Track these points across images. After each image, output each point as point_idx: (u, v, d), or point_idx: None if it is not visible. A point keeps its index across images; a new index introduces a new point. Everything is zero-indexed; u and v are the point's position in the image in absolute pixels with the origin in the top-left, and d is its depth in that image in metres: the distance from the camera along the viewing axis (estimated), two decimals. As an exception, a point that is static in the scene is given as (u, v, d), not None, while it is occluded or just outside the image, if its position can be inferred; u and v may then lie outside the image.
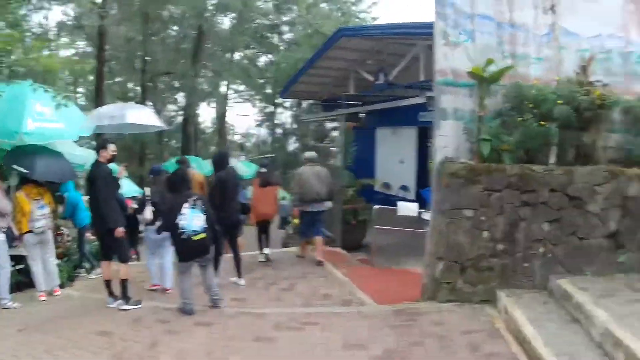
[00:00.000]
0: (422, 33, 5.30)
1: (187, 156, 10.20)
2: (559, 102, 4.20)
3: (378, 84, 8.65)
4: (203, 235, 4.21)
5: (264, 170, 6.94)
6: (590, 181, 4.27)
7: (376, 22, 18.79)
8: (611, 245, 4.34)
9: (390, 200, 7.85)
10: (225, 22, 18.31)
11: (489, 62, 4.28)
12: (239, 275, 5.41)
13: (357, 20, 18.51)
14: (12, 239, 5.03)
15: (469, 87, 4.54)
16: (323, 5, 18.25)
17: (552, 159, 4.42)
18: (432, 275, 4.39)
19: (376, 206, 7.13)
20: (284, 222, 9.27)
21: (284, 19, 18.50)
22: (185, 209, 4.21)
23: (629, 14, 5.40)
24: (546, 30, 4.94)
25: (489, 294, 4.20)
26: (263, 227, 6.80)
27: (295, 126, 17.92)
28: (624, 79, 5.18)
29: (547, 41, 4.94)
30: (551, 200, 4.18)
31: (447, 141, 4.56)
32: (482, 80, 4.25)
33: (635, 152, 4.70)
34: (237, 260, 5.42)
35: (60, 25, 16.91)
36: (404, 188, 9.34)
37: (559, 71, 4.83)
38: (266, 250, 6.66)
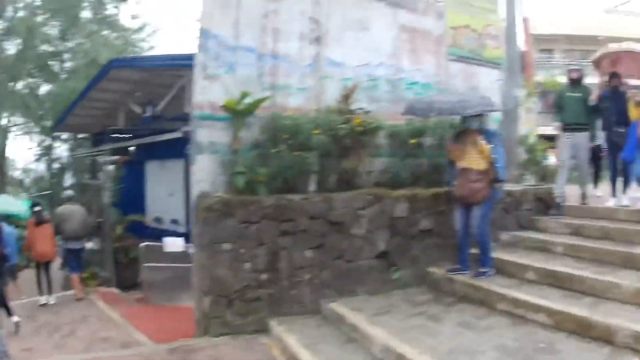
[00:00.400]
0: (188, 65, 6.21)
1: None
2: (314, 131, 5.50)
3: (146, 117, 10.00)
4: None
5: (37, 208, 8.50)
6: (352, 206, 5.66)
7: (151, 52, 21.82)
8: (383, 264, 5.85)
9: (163, 235, 8.98)
10: (11, 48, 19.26)
11: (244, 94, 5.39)
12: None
13: (135, 49, 20.92)
14: None
15: (226, 120, 5.61)
16: (106, 32, 20.07)
17: (313, 187, 5.73)
18: (202, 310, 5.17)
19: (143, 243, 8.40)
20: (64, 263, 9.79)
21: (69, 45, 19.84)
22: None
23: (401, 42, 7.33)
24: (310, 61, 6.38)
25: (261, 323, 5.11)
26: (44, 268, 8.10)
27: (71, 161, 19.46)
28: (392, 105, 6.95)
29: (310, 71, 6.36)
30: (312, 228, 5.39)
31: (204, 175, 5.57)
32: (237, 113, 5.34)
33: (400, 174, 6.41)
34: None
35: None
36: (174, 222, 10.89)
37: (320, 100, 6.26)
38: (47, 298, 7.96)
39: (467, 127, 5.59)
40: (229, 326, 5.08)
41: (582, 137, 6.84)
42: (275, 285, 5.28)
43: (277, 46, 6.23)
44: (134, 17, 22.56)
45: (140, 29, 22.41)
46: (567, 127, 6.95)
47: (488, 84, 8.28)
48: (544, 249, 6.07)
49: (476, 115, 5.53)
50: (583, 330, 4.07)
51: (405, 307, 5.14)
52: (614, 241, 5.72)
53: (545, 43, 31.28)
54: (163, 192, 11.54)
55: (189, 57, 6.18)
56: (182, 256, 6.53)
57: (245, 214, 5.14)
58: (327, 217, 5.53)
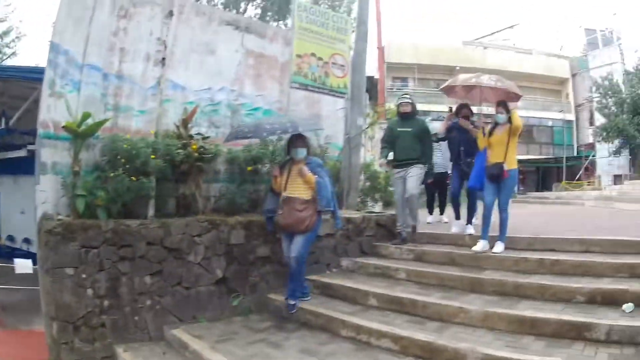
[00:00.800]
0: (42, 79, 7.05)
1: None
2: (152, 156, 6.77)
3: None
4: None
5: None
6: (188, 232, 6.93)
7: (14, 59, 23.58)
8: (223, 291, 7.14)
9: (16, 255, 9.79)
10: None
11: (86, 115, 6.53)
12: None
13: None
14: None
15: (69, 140, 6.65)
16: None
17: (151, 212, 7.02)
18: (51, 336, 5.90)
19: None
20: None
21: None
22: None
23: (246, 67, 8.97)
24: (153, 83, 7.74)
25: (108, 350, 6.04)
26: None
27: None
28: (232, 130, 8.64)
29: (152, 94, 7.70)
30: (150, 254, 6.57)
31: (47, 196, 6.61)
32: (77, 135, 6.44)
33: (237, 200, 7.84)
34: None
35: None
36: (27, 241, 11.94)
37: (160, 124, 7.60)
38: None
39: (293, 156, 6.71)
40: (77, 353, 5.92)
41: (413, 171, 8.04)
42: (118, 311, 6.24)
43: (122, 66, 7.50)
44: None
45: (5, 33, 23.50)
46: (398, 163, 8.20)
47: (331, 112, 10.28)
48: (386, 275, 7.39)
49: (302, 146, 6.66)
50: (431, 354, 4.94)
51: (247, 334, 6.19)
52: (460, 266, 7.10)
53: (400, 71, 36.71)
54: (16, 210, 12.52)
55: (42, 71, 7.20)
56: (35, 278, 7.34)
57: (86, 239, 6.13)
58: (164, 244, 6.67)
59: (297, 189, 6.59)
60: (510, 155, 7.09)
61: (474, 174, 7.80)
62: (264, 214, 7.25)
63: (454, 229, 8.66)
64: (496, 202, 7.24)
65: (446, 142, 9.22)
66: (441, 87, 8.95)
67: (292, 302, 6.61)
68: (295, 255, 6.46)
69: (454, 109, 8.63)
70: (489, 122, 7.60)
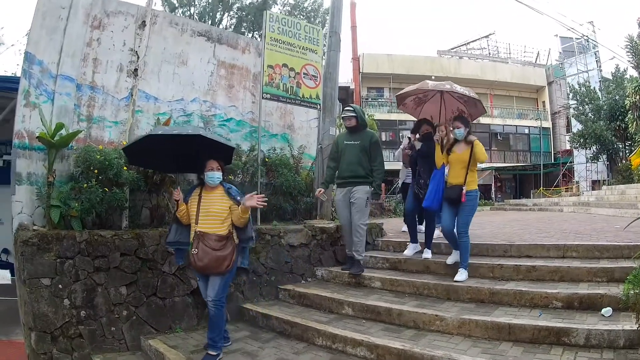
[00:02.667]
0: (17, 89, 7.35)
1: None
2: (125, 167, 7.04)
3: None
4: None
5: None
6: (162, 243, 7.06)
7: None
8: (198, 301, 7.25)
9: None
10: None
11: (59, 126, 6.79)
12: None
13: None
14: None
15: (44, 151, 6.92)
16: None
17: (125, 223, 7.29)
18: (30, 346, 6.10)
19: None
20: None
21: None
22: None
23: (218, 78, 9.28)
24: (126, 94, 8.01)
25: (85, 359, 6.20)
26: None
27: None
28: None
29: (125, 104, 7.97)
30: (124, 264, 6.80)
31: (23, 207, 6.85)
32: (51, 145, 6.68)
33: None
34: None
35: None
36: (5, 252, 12.26)
37: (133, 135, 7.73)
38: None
39: (206, 181, 5.76)
40: None
41: (357, 194, 7.53)
42: (94, 322, 6.45)
43: (95, 77, 7.81)
44: None
45: None
46: (342, 181, 7.79)
47: (304, 122, 10.65)
48: (361, 284, 7.53)
49: (217, 169, 5.72)
50: None
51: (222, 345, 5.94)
52: (435, 274, 7.24)
53: (376, 82, 37.47)
54: None
55: (18, 81, 7.44)
56: (14, 288, 7.43)
57: (61, 249, 6.38)
58: (138, 254, 6.94)
59: (212, 223, 5.67)
60: (470, 177, 6.88)
61: (429, 193, 7.30)
62: (168, 246, 6.53)
63: (407, 252, 8.27)
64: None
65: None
66: (399, 93, 8.39)
67: (214, 354, 5.69)
68: (214, 299, 5.68)
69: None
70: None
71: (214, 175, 5.73)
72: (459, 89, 7.38)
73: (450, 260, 7.23)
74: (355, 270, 7.65)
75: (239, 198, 5.69)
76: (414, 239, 8.36)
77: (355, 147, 7.67)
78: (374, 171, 7.70)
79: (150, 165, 6.78)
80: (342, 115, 7.89)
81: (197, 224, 5.63)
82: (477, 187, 7.00)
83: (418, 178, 7.92)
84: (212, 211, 5.66)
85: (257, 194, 5.68)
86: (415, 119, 8.48)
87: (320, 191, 7.98)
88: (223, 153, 5.88)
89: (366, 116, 8.40)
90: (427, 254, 7.82)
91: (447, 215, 6.98)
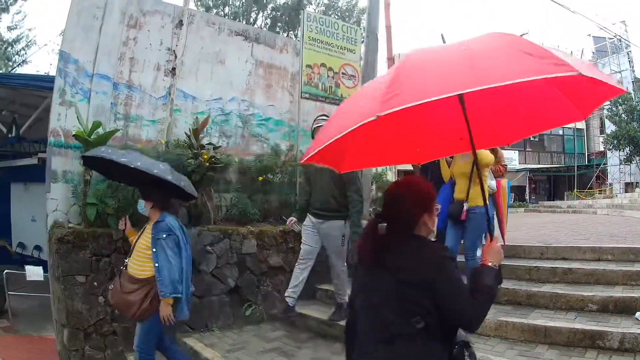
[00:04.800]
0: (51, 87, 7.18)
1: None
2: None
3: (10, 137, 11.50)
4: None
5: None
6: (200, 242, 6.89)
7: (24, 67, 24.63)
8: (235, 300, 7.08)
9: (28, 262, 10.05)
10: None
11: (96, 125, 6.51)
12: None
13: (10, 63, 23.07)
14: None
15: (80, 149, 6.65)
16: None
17: None
18: (62, 343, 5.97)
19: (7, 270, 9.28)
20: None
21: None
22: None
23: (256, 78, 8.99)
24: (164, 93, 7.74)
25: (118, 358, 6.00)
26: None
27: None
28: (242, 140, 8.58)
29: (163, 103, 7.70)
30: None
31: (58, 204, 6.62)
32: (88, 144, 6.39)
33: (248, 210, 7.75)
34: None
35: None
36: (38, 248, 12.13)
37: (171, 134, 7.57)
38: None
39: (142, 211, 4.85)
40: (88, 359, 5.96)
41: (331, 230, 6.04)
42: (129, 320, 6.03)
43: (132, 76, 7.56)
44: (10, 28, 23.62)
45: (16, 41, 24.37)
46: (314, 212, 6.24)
47: None
48: None
49: (145, 197, 4.77)
50: None
51: (259, 343, 6.08)
52: None
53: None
54: (27, 216, 12.66)
55: (52, 80, 7.27)
56: (46, 284, 7.32)
57: (97, 247, 6.19)
58: None
59: (134, 260, 4.72)
60: (474, 191, 5.81)
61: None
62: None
63: None
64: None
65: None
66: None
67: None
68: (135, 348, 4.78)
69: None
70: None
71: (140, 203, 4.79)
72: None
73: None
74: (337, 317, 6.18)
75: (163, 235, 4.56)
76: None
77: (325, 171, 5.83)
78: (350, 203, 5.89)
79: (111, 176, 5.69)
80: (314, 126, 6.23)
81: (129, 257, 4.79)
82: (485, 203, 5.61)
83: None
84: (141, 246, 4.70)
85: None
86: None
87: (291, 221, 6.48)
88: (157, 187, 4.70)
89: None
90: None
91: (450, 236, 6.05)
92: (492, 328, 5.39)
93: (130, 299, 4.52)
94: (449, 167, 6.30)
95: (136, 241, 4.77)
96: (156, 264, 4.48)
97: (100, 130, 6.70)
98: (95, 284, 6.17)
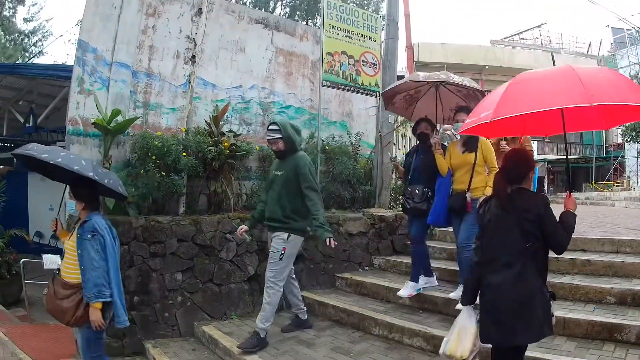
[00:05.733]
0: (69, 76, 7.08)
1: None
2: (183, 153, 6.62)
3: (28, 127, 11.53)
4: None
5: None
6: (220, 229, 6.77)
7: (41, 58, 24.85)
8: (254, 288, 6.96)
9: (45, 251, 10.00)
10: None
11: (115, 112, 6.37)
12: None
13: (26, 54, 23.50)
14: None
15: (98, 137, 6.58)
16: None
17: (182, 209, 6.85)
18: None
19: (24, 259, 9.29)
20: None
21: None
22: None
23: (276, 65, 8.77)
24: (184, 81, 7.56)
25: (137, 346, 5.94)
26: None
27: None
28: (263, 128, 8.24)
29: (183, 91, 7.52)
30: (181, 250, 6.44)
31: None
32: (107, 132, 6.29)
33: None
34: None
35: None
36: (55, 237, 11.89)
37: (191, 121, 7.40)
38: None
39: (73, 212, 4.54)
40: (106, 348, 5.61)
41: (275, 240, 5.46)
42: (148, 307, 6.19)
43: (152, 64, 7.39)
44: (26, 19, 23.77)
45: (32, 32, 24.64)
46: (267, 224, 5.79)
47: (363, 110, 10.03)
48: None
49: (76, 196, 4.37)
50: None
51: (278, 332, 5.92)
52: None
53: (430, 70, 36.15)
54: (44, 205, 12.72)
55: (69, 69, 7.18)
56: None
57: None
58: (195, 240, 6.60)
59: (67, 264, 4.34)
60: (477, 181, 5.56)
61: (435, 206, 5.87)
62: None
63: (404, 291, 6.26)
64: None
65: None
66: (383, 91, 6.82)
67: None
68: (82, 357, 4.49)
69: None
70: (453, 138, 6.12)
71: (71, 203, 4.45)
72: (456, 78, 5.95)
73: (402, 292, 6.18)
74: (246, 345, 5.31)
75: (88, 235, 4.19)
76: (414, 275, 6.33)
77: (279, 179, 5.51)
78: (310, 208, 5.39)
79: (52, 175, 4.93)
80: (267, 137, 5.60)
81: (61, 260, 4.44)
82: (485, 194, 5.16)
83: (410, 185, 6.26)
84: (66, 249, 4.37)
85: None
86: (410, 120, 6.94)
87: (242, 229, 5.85)
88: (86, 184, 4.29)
89: (301, 130, 5.96)
90: (407, 290, 6.21)
91: (457, 229, 5.72)
92: None
93: (64, 305, 4.20)
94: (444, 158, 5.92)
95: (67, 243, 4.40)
96: (81, 266, 4.15)
97: (119, 118, 6.58)
98: (113, 271, 6.05)
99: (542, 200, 3.43)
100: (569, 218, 3.45)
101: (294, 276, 6.05)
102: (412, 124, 6.25)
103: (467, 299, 3.69)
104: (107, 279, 4.19)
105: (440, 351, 3.73)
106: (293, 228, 5.42)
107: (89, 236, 4.15)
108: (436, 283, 6.45)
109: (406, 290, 6.16)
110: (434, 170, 5.94)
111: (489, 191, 4.89)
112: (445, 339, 3.72)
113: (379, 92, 9.42)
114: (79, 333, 4.39)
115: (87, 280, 4.12)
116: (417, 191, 6.06)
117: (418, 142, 6.38)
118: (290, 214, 5.42)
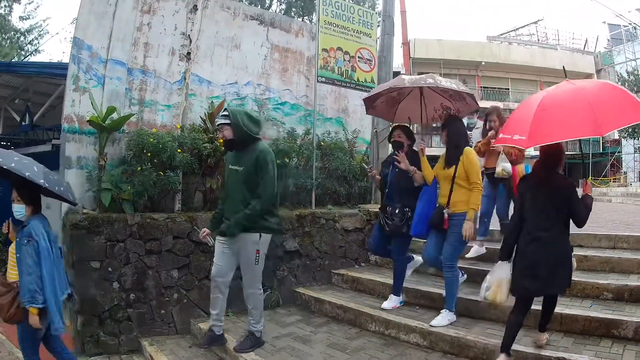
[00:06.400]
0: (64, 74, 7.11)
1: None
2: (179, 150, 6.62)
3: (23, 125, 11.54)
4: None
5: None
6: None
7: (37, 56, 25.12)
8: None
9: None
10: None
11: (111, 110, 6.37)
12: None
13: (22, 52, 23.33)
14: None
15: (94, 135, 6.56)
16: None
17: (177, 206, 6.86)
18: (76, 329, 5.87)
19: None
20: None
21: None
22: None
23: (271, 62, 8.77)
24: (179, 77, 7.56)
25: (133, 343, 5.98)
26: None
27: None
28: None
29: (178, 88, 7.52)
30: (176, 247, 6.44)
31: (72, 191, 6.66)
32: (102, 129, 6.29)
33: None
34: None
35: None
36: None
37: (186, 118, 7.41)
38: None
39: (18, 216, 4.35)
40: (103, 346, 5.87)
41: (245, 242, 5.00)
42: (144, 305, 6.21)
43: (147, 61, 7.38)
44: (22, 18, 24.02)
45: (28, 31, 24.78)
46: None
47: (358, 106, 9.89)
48: (417, 270, 6.65)
49: (17, 200, 4.33)
50: (460, 350, 4.80)
51: (274, 328, 5.99)
52: (490, 262, 6.32)
53: (426, 67, 36.17)
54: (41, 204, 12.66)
55: (65, 67, 7.15)
56: None
57: (112, 232, 6.07)
58: (191, 237, 6.58)
59: (10, 263, 4.39)
60: (457, 195, 5.28)
61: (416, 216, 5.58)
62: None
63: (388, 303, 6.10)
64: None
65: None
66: (364, 97, 6.46)
67: None
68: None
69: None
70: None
71: (15, 207, 4.37)
72: (443, 83, 5.45)
73: (386, 304, 5.97)
74: (242, 347, 5.22)
75: (24, 241, 4.16)
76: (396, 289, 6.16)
77: (240, 175, 4.98)
78: (251, 202, 4.92)
79: (8, 177, 4.68)
80: (217, 123, 5.27)
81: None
82: (473, 209, 5.18)
83: (391, 202, 5.83)
84: (10, 250, 4.37)
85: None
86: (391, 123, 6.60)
87: (204, 232, 5.37)
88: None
89: (261, 121, 5.25)
90: (390, 303, 6.07)
91: (430, 243, 5.49)
92: (508, 314, 5.10)
93: (1, 302, 4.26)
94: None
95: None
96: (19, 270, 4.19)
97: (114, 116, 6.58)
98: (109, 269, 6.10)
99: (571, 183, 4.31)
100: (587, 200, 4.23)
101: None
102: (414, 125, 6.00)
103: (505, 255, 4.41)
104: (41, 285, 4.14)
105: (480, 298, 4.56)
106: (263, 227, 5.02)
107: (25, 242, 4.14)
108: (420, 260, 6.21)
109: (390, 302, 6.04)
110: (410, 186, 5.69)
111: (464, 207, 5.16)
112: (484, 286, 4.50)
113: (374, 88, 9.36)
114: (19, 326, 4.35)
115: (22, 285, 4.13)
116: (397, 211, 5.69)
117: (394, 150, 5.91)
118: (260, 212, 4.96)
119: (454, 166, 5.28)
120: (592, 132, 3.74)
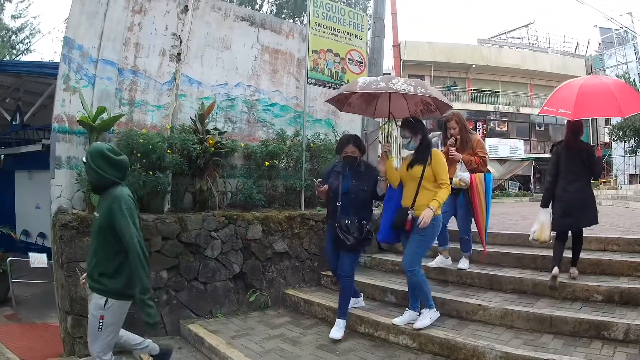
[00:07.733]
0: (55, 74, 7.08)
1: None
2: (168, 151, 6.68)
3: (14, 125, 11.64)
4: None
5: None
6: (205, 227, 6.83)
7: (29, 55, 25.11)
8: (239, 286, 7.06)
9: (32, 249, 10.10)
10: None
11: (101, 110, 6.41)
12: None
13: (14, 51, 23.59)
14: None
15: (84, 135, 6.59)
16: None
17: (167, 207, 6.90)
18: (65, 330, 5.94)
19: (11, 258, 9.42)
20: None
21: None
22: None
23: (262, 63, 8.83)
24: (169, 78, 7.61)
25: None
26: None
27: None
28: (248, 125, 8.45)
29: (168, 88, 7.57)
30: (166, 248, 6.47)
31: (62, 190, 6.51)
32: (92, 129, 6.31)
33: (254, 195, 7.67)
34: None
35: None
36: (42, 235, 12.28)
37: (176, 119, 7.46)
38: None
39: None
40: None
41: (91, 303, 4.19)
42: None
43: (137, 61, 7.42)
44: (14, 16, 24.26)
45: (20, 29, 24.86)
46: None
47: None
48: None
49: None
50: (449, 352, 4.84)
51: (263, 330, 6.11)
52: (478, 264, 6.86)
53: (416, 69, 36.47)
54: (31, 204, 12.86)
55: (56, 66, 7.17)
56: (50, 272, 7.29)
57: None
58: (180, 238, 6.65)
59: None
60: (422, 198, 5.19)
61: (383, 222, 5.57)
62: None
63: (334, 334, 5.73)
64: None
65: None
66: (330, 98, 6.14)
67: None
68: None
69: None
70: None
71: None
72: (398, 86, 5.03)
73: (399, 319, 5.60)
74: None
75: None
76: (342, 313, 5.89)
77: (95, 223, 4.21)
78: (132, 268, 4.02)
79: None
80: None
81: None
82: (437, 201, 5.12)
83: (344, 215, 5.58)
84: None
85: None
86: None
87: (83, 278, 4.55)
88: None
89: (122, 162, 4.36)
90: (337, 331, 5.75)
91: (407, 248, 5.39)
92: (497, 317, 5.37)
93: None
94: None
95: None
96: None
97: (104, 116, 6.60)
98: (99, 270, 6.11)
99: (591, 146, 6.00)
100: (600, 161, 5.98)
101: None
102: (400, 122, 5.65)
103: (545, 203, 6.09)
104: None
105: (530, 238, 6.16)
106: (111, 291, 4.09)
107: None
108: (363, 304, 6.31)
109: (339, 332, 5.71)
110: (368, 197, 5.68)
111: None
112: (531, 230, 6.15)
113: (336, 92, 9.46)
114: None
115: None
116: (355, 224, 5.49)
117: (346, 164, 5.73)
118: (105, 272, 4.07)
119: (422, 167, 5.20)
120: (617, 113, 5.41)
